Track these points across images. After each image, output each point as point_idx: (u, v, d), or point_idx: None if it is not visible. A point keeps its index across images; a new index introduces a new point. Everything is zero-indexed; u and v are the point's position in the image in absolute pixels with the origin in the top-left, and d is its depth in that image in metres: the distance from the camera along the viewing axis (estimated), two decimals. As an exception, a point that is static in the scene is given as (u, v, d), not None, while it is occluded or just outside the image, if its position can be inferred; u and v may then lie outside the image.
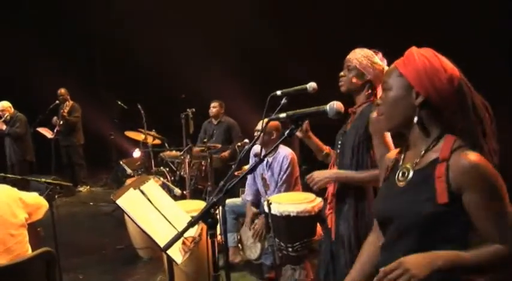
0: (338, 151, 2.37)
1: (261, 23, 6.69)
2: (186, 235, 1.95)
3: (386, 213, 1.37)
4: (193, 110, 5.25)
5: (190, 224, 1.46)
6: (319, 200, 3.24)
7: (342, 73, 2.35)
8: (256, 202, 4.04)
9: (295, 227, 3.23)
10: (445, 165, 1.25)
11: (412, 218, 1.27)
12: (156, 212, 1.95)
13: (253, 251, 3.91)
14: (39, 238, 2.49)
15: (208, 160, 5.42)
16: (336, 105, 1.45)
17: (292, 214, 3.18)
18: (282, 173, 3.80)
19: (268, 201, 3.17)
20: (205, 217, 1.45)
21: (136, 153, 6.95)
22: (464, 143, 1.26)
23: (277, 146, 3.68)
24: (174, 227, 1.96)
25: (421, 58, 1.30)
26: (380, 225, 1.43)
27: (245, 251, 3.96)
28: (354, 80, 2.28)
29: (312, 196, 3.35)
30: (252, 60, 6.91)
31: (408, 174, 1.35)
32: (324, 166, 2.54)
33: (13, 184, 3.06)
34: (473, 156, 1.22)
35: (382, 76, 2.15)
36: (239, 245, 4.00)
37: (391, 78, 1.35)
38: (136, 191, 1.92)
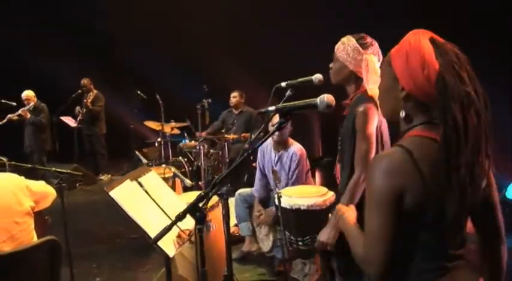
0: (339, 147, 2.33)
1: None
2: (184, 227, 1.96)
3: None
4: (210, 100, 5.27)
5: (178, 218, 1.45)
6: (331, 194, 3.20)
7: (330, 65, 2.31)
8: (264, 198, 4.05)
9: (305, 221, 3.20)
10: None
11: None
12: (153, 204, 1.96)
13: (266, 244, 3.92)
14: (46, 226, 2.54)
15: (226, 150, 5.46)
16: (326, 98, 1.41)
17: (302, 208, 3.14)
18: (292, 168, 3.81)
19: (278, 194, 3.15)
20: (193, 211, 1.44)
21: (155, 143, 7.04)
22: (412, 141, 1.20)
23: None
24: (171, 220, 1.97)
25: (406, 49, 1.24)
26: None
27: (258, 243, 3.99)
28: (339, 71, 2.24)
29: (323, 189, 3.31)
30: (266, 51, 6.87)
31: None
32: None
33: (27, 172, 3.15)
34: (381, 154, 1.23)
35: (364, 65, 2.12)
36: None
37: (384, 65, 1.32)
38: (134, 182, 1.94)
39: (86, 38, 8.01)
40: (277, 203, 3.16)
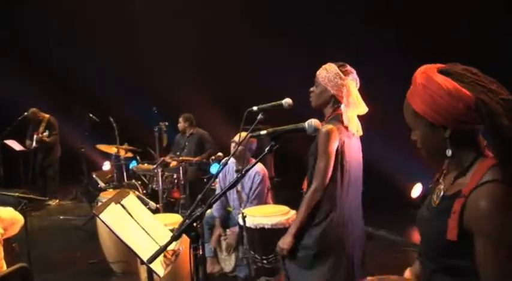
0: (308, 161, 2.48)
1: (234, 33, 6.78)
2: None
3: (419, 228, 1.39)
4: (166, 123, 5.26)
5: (174, 238, 1.49)
6: (292, 212, 3.32)
7: (311, 89, 2.47)
8: (224, 218, 4.10)
9: (269, 239, 3.27)
10: (463, 201, 1.19)
11: (429, 243, 1.31)
12: (137, 226, 1.97)
13: (227, 264, 3.94)
14: (14, 253, 2.44)
15: (181, 173, 5.44)
16: (313, 122, 1.54)
17: (266, 227, 3.23)
18: (253, 188, 3.88)
19: (243, 214, 3.21)
20: (189, 231, 1.49)
21: (106, 166, 6.86)
22: (496, 176, 1.16)
23: (247, 159, 3.81)
24: (155, 241, 1.99)
25: (428, 92, 1.23)
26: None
27: (219, 263, 4.00)
28: (320, 95, 2.40)
29: (285, 208, 3.42)
30: (225, 71, 6.99)
31: (439, 197, 1.33)
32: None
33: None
34: (490, 204, 1.13)
35: (345, 90, 2.30)
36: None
37: (410, 118, 1.32)
38: (118, 205, 1.94)
39: (35, 59, 7.73)
40: (241, 223, 3.23)
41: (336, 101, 2.39)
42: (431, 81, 1.23)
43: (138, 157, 6.49)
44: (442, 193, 1.32)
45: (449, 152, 1.25)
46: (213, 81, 7.21)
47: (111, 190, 5.39)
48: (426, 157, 1.34)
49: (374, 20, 5.65)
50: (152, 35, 7.33)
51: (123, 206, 1.98)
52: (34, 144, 7.26)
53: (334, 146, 2.29)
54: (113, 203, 1.93)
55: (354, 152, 2.38)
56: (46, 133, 7.35)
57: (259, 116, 2.28)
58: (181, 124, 6.30)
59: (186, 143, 6.21)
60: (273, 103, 2.30)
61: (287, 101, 2.31)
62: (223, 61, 6.90)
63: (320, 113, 2.45)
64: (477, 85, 1.19)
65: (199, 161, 5.84)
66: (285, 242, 2.38)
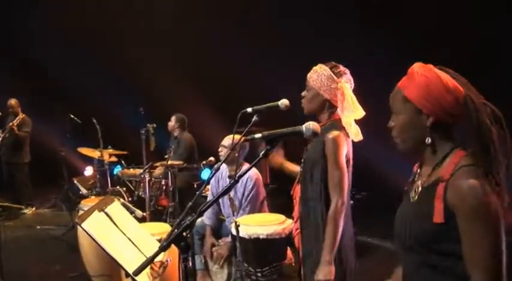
0: (301, 169, 2.48)
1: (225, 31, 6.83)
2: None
3: (399, 226, 1.48)
4: (154, 125, 5.27)
5: (162, 248, 1.50)
6: (289, 221, 3.33)
7: (302, 93, 2.47)
8: (216, 227, 4.11)
9: (264, 250, 3.30)
10: (444, 185, 1.34)
11: (412, 234, 1.40)
12: (122, 236, 1.98)
13: (219, 277, 3.95)
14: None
15: (170, 178, 5.45)
16: (312, 125, 1.55)
17: (261, 237, 3.25)
18: (246, 194, 3.89)
19: (236, 223, 3.22)
20: (178, 241, 1.50)
21: (88, 171, 6.84)
22: (471, 162, 1.34)
23: (240, 163, 3.83)
24: (141, 251, 2.00)
25: (424, 80, 1.40)
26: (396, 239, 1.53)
27: (211, 277, 4.00)
28: (312, 99, 2.40)
29: (281, 217, 3.44)
30: (218, 71, 7.02)
31: (418, 190, 1.46)
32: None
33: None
34: (470, 182, 1.29)
35: (339, 94, 2.32)
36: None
37: (398, 103, 1.46)
38: (101, 213, 1.95)
39: (14, 57, 7.72)
40: (234, 232, 3.24)
41: (330, 106, 2.39)
42: (430, 71, 1.42)
43: (123, 161, 6.49)
44: (420, 188, 1.46)
45: (428, 140, 1.42)
46: (206, 82, 7.24)
47: (93, 197, 5.37)
48: (401, 145, 1.48)
49: (369, 19, 5.76)
50: (140, 32, 7.36)
51: (107, 214, 1.99)
52: (5, 135, 7.16)
53: (344, 153, 2.31)
54: (96, 211, 1.94)
55: (351, 161, 2.40)
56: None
57: (254, 118, 2.30)
58: (171, 124, 6.33)
59: (173, 146, 6.24)
60: (269, 104, 2.32)
61: (284, 102, 2.32)
62: (216, 61, 6.95)
63: (313, 118, 2.46)
64: (468, 86, 1.41)
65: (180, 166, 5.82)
66: (326, 274, 2.21)
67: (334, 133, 2.29)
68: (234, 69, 6.69)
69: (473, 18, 5.06)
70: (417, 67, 1.45)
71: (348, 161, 2.34)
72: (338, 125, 2.33)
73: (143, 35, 7.38)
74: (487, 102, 1.39)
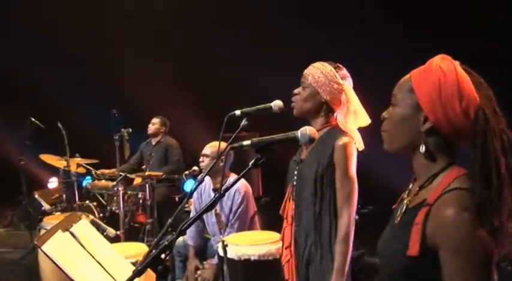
0: (294, 182, 2.49)
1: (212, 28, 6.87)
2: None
3: (379, 250, 1.46)
4: (130, 130, 5.27)
5: (137, 273, 1.50)
6: (285, 240, 3.35)
7: (295, 90, 2.48)
8: (201, 248, 4.12)
9: (256, 274, 3.31)
10: (426, 210, 1.26)
11: (388, 263, 1.38)
12: (90, 259, 1.98)
13: (204, 304, 3.95)
14: None
15: (148, 191, 5.44)
16: (308, 131, 1.56)
17: (253, 258, 3.27)
18: (234, 209, 3.92)
19: (223, 242, 3.23)
20: (155, 264, 1.50)
21: (52, 183, 6.80)
22: (466, 186, 1.24)
23: (226, 174, 3.85)
24: (112, 277, 1.99)
25: (439, 77, 1.31)
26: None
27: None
28: (308, 99, 2.42)
29: (276, 235, 3.45)
30: (202, 70, 7.04)
31: (402, 211, 1.41)
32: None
33: None
34: (455, 213, 1.20)
35: (343, 97, 2.34)
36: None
37: (402, 92, 1.40)
38: (66, 234, 1.95)
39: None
40: (221, 253, 3.24)
41: (328, 109, 2.42)
42: (450, 68, 1.33)
43: (93, 172, 6.47)
44: (405, 207, 1.41)
45: (422, 148, 1.35)
46: (187, 81, 7.26)
47: (58, 213, 5.37)
48: (387, 143, 1.44)
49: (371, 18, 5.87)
50: (113, 29, 7.37)
51: (72, 234, 1.98)
52: None
53: (355, 163, 2.34)
54: (59, 231, 1.93)
55: None
56: None
57: (243, 122, 2.32)
58: (155, 126, 6.37)
59: (153, 154, 6.22)
60: (260, 106, 2.34)
61: (277, 103, 2.35)
62: (199, 58, 6.99)
63: (304, 122, 2.45)
64: (490, 102, 1.30)
65: (159, 177, 5.83)
66: None
67: (344, 140, 2.31)
68: (219, 68, 6.73)
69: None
70: (439, 60, 1.37)
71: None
72: (341, 131, 2.35)
73: (115, 32, 7.38)
74: (507, 130, 1.28)
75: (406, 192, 1.48)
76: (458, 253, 1.19)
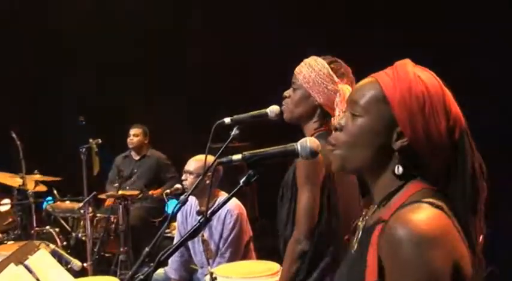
0: (278, 200, 2.55)
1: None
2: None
3: None
4: (99, 141, 5.27)
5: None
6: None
7: (286, 93, 2.49)
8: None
9: (251, 313, 3.31)
10: (380, 228, 1.27)
11: None
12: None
13: None
14: None
15: (121, 214, 5.43)
16: (309, 142, 1.55)
17: (247, 294, 3.27)
18: (225, 235, 3.92)
19: (212, 275, 3.23)
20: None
21: (4, 206, 6.77)
22: (429, 198, 1.26)
23: (214, 193, 3.85)
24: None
25: (422, 89, 1.32)
26: None
27: None
28: (301, 102, 2.43)
29: (274, 266, 3.45)
30: (185, 70, 7.08)
31: (358, 235, 1.42)
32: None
33: None
34: (411, 223, 1.19)
35: (338, 99, 2.34)
36: None
37: (367, 100, 1.37)
38: (19, 267, 1.94)
39: None
40: (209, 288, 3.24)
41: (323, 113, 2.43)
42: (433, 81, 1.35)
43: (55, 191, 6.45)
44: (360, 232, 1.42)
45: (398, 169, 1.33)
46: (167, 83, 7.29)
47: (11, 242, 5.34)
48: (341, 159, 1.41)
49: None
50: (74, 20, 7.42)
51: (27, 268, 1.97)
52: None
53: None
54: (12, 265, 1.92)
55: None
56: None
57: (234, 132, 2.33)
58: (139, 138, 6.38)
59: (135, 170, 6.22)
60: (255, 112, 2.37)
61: (274, 109, 2.37)
62: (182, 55, 7.02)
63: (296, 128, 2.50)
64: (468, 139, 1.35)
65: (159, 194, 5.84)
66: None
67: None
68: (205, 68, 6.78)
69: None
70: (412, 67, 1.38)
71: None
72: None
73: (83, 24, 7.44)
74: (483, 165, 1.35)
75: (361, 218, 1.48)
76: (401, 275, 1.18)
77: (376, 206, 1.40)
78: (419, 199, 1.26)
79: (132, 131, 6.38)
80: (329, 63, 2.40)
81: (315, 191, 2.33)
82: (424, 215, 1.21)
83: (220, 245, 3.94)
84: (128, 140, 6.38)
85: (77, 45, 7.41)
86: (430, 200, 1.25)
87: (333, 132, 1.46)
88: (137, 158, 6.41)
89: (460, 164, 1.31)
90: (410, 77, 1.33)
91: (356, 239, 1.42)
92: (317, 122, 2.45)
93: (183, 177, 4.16)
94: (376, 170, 1.38)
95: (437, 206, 1.24)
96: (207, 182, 3.64)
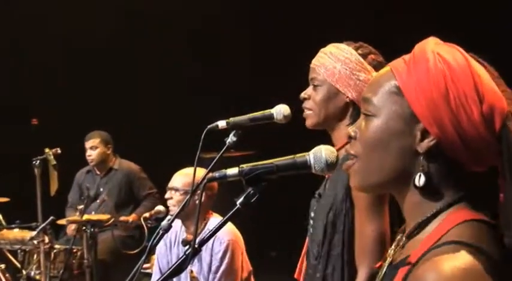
0: (311, 222, 2.52)
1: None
2: None
3: None
4: (58, 150, 5.28)
5: None
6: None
7: (304, 93, 2.45)
8: None
9: None
10: (406, 271, 1.22)
11: None
12: None
13: None
14: None
15: (85, 245, 5.44)
16: (324, 152, 1.52)
17: None
18: (214, 267, 3.95)
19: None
20: None
21: None
22: (470, 238, 1.18)
23: (205, 216, 3.85)
24: None
25: (443, 71, 1.25)
26: None
27: None
28: (328, 102, 2.40)
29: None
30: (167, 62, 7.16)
31: (383, 271, 1.39)
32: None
33: None
34: (447, 271, 1.12)
35: None
36: None
37: (380, 95, 1.33)
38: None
39: None
40: None
41: (357, 111, 2.35)
42: (458, 58, 1.28)
43: (0, 217, 6.47)
44: (385, 267, 1.39)
45: (421, 180, 1.27)
46: (141, 80, 7.33)
47: None
48: (360, 175, 1.37)
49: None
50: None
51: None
52: None
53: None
54: None
55: None
56: None
57: (230, 138, 2.33)
58: (97, 151, 6.32)
59: (101, 188, 6.20)
60: (257, 114, 2.36)
61: (281, 109, 2.36)
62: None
63: (323, 134, 2.47)
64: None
65: (135, 219, 5.84)
66: None
67: None
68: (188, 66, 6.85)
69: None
70: (433, 45, 1.32)
71: None
72: None
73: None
74: None
75: (393, 245, 1.44)
76: None
77: (406, 237, 1.35)
78: (457, 240, 1.18)
79: (88, 144, 6.25)
80: (356, 49, 2.39)
81: (382, 220, 2.28)
82: (460, 262, 1.13)
83: (210, 278, 3.94)
84: (86, 156, 6.29)
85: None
86: (467, 240, 1.17)
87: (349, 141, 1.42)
88: (102, 174, 6.40)
89: (506, 163, 1.23)
90: (427, 57, 1.28)
91: (380, 274, 1.39)
92: (351, 124, 2.35)
93: (167, 195, 4.15)
94: (401, 185, 1.33)
95: (479, 252, 1.15)
96: (197, 202, 3.63)
